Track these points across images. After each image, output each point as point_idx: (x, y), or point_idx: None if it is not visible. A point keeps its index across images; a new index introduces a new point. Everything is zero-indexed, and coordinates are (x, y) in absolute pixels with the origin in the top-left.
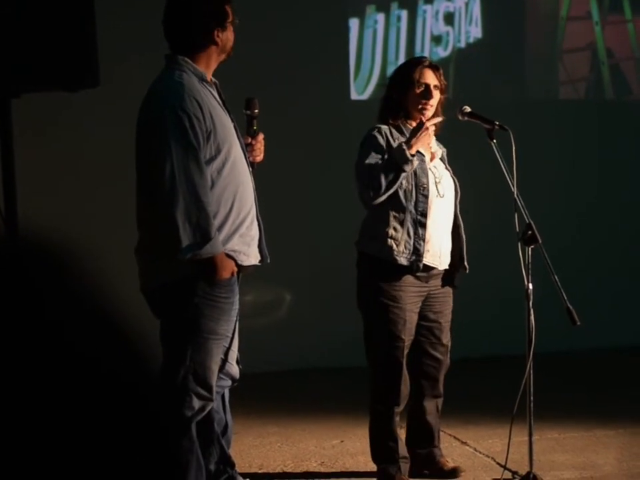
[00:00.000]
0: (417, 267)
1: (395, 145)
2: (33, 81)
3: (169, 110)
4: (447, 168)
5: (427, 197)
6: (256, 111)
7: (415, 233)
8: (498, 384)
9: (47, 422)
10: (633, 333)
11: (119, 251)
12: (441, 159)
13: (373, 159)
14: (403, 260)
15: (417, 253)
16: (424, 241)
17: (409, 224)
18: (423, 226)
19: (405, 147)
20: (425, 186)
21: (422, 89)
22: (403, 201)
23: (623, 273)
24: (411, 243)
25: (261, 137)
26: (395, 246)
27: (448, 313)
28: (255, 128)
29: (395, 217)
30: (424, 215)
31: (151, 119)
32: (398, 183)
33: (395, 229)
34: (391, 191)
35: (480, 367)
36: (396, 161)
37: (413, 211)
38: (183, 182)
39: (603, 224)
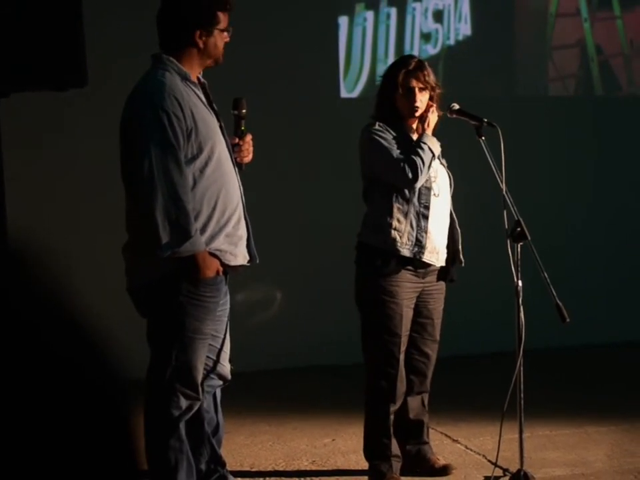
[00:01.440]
0: (419, 258)
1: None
2: (21, 80)
3: (149, 109)
4: (441, 163)
5: (429, 189)
6: (243, 110)
7: (418, 225)
8: (489, 381)
9: (29, 426)
10: (624, 330)
11: (108, 251)
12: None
13: (395, 148)
14: (406, 251)
15: (420, 244)
16: (426, 233)
17: (412, 216)
18: (426, 218)
19: (423, 138)
20: (428, 178)
21: (406, 92)
22: (407, 193)
23: (616, 269)
24: (414, 234)
25: (248, 137)
26: (398, 237)
27: (441, 310)
28: (242, 128)
29: (398, 208)
30: (427, 207)
31: (132, 118)
32: (430, 167)
33: (398, 220)
34: (427, 173)
35: (471, 364)
36: (423, 149)
37: (417, 203)
38: (162, 180)
39: (595, 220)
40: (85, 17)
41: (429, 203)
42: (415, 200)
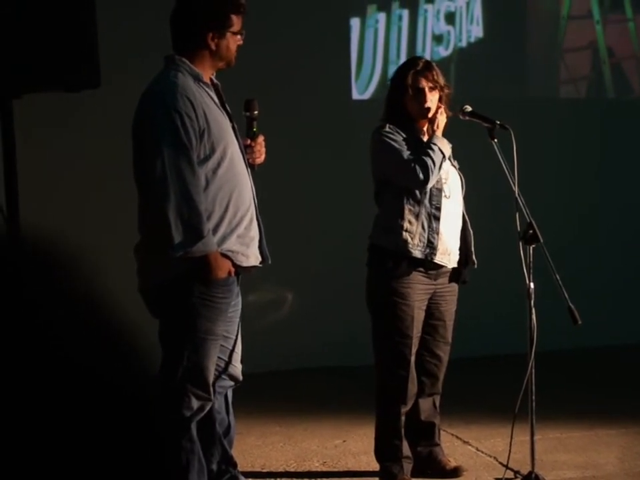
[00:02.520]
0: (431, 259)
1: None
2: (34, 81)
3: (161, 109)
4: (453, 165)
5: (440, 190)
6: (255, 112)
7: (430, 226)
8: (500, 383)
9: (43, 425)
10: (636, 331)
11: (119, 251)
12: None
13: (405, 149)
14: (417, 253)
15: (431, 246)
16: (438, 234)
17: (423, 217)
18: (437, 219)
19: (433, 140)
20: (439, 180)
21: (416, 93)
22: (418, 194)
23: (626, 270)
24: (425, 236)
25: (261, 139)
26: (409, 239)
27: (453, 312)
28: (254, 130)
29: (410, 210)
30: (438, 208)
31: (144, 119)
32: (441, 168)
33: (409, 222)
34: (438, 174)
35: (482, 366)
36: (434, 150)
37: (428, 204)
38: (175, 180)
39: (604, 223)
40: (97, 18)
41: (440, 204)
42: (426, 201)
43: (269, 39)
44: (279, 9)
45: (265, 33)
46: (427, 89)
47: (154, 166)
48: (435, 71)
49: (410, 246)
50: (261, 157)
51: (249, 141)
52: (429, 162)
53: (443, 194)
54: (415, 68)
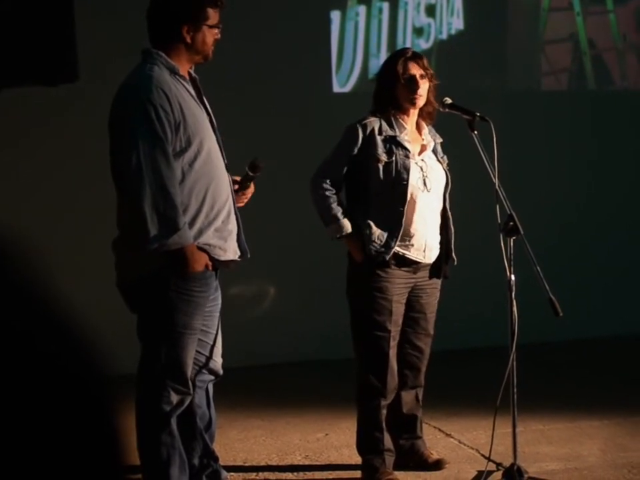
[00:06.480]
0: (384, 261)
1: (381, 138)
2: (12, 75)
3: (136, 102)
4: (439, 160)
5: (405, 192)
6: (258, 174)
7: (389, 228)
8: (482, 375)
9: (17, 424)
10: (618, 324)
11: (94, 249)
12: (433, 151)
13: (338, 162)
14: (375, 255)
15: (388, 246)
16: (397, 238)
17: (385, 219)
18: (399, 221)
19: (343, 235)
20: (405, 182)
21: (408, 81)
22: (381, 196)
23: (611, 264)
24: (384, 237)
25: (249, 191)
26: (369, 240)
27: (434, 304)
28: (248, 183)
29: (372, 211)
30: (401, 211)
31: (120, 112)
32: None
33: (369, 226)
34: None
35: (464, 358)
36: (326, 220)
37: (390, 206)
38: (150, 173)
39: (587, 215)
40: (76, 13)
41: (404, 206)
42: (389, 203)
43: (248, 32)
44: (258, 3)
45: (245, 26)
46: (417, 76)
47: (129, 159)
48: (425, 59)
49: (369, 247)
50: (243, 203)
51: (236, 187)
52: (318, 206)
53: (422, 188)
54: (404, 56)
